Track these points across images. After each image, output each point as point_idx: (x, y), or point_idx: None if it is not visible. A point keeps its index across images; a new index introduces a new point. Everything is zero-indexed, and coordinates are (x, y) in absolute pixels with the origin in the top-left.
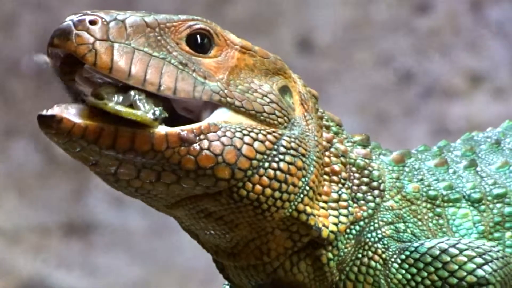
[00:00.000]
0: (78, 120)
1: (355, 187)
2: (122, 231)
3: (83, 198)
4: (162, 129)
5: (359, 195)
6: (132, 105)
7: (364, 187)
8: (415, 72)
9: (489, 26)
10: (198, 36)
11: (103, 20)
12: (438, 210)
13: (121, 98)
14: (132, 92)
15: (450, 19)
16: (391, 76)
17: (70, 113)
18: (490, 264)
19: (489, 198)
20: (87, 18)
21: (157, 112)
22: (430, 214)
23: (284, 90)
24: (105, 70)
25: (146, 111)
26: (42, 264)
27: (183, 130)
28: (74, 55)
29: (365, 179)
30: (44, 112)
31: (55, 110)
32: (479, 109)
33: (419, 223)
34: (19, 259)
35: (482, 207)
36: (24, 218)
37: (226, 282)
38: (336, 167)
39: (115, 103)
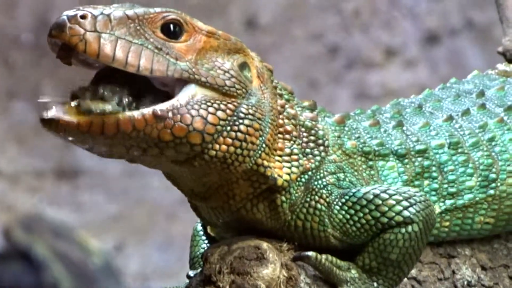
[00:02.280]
0: (72, 119)
1: (304, 144)
2: (102, 175)
3: (71, 149)
4: (140, 111)
5: (308, 150)
6: (102, 98)
7: (311, 144)
8: (340, 46)
9: (401, 9)
10: (171, 25)
11: (92, 15)
12: (370, 163)
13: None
14: (100, 88)
15: (370, 2)
16: (321, 49)
17: (65, 114)
18: (414, 206)
19: (412, 153)
20: (79, 13)
21: (125, 100)
22: (364, 166)
23: (243, 66)
24: (94, 55)
25: (112, 100)
26: (38, 202)
27: (156, 108)
28: (68, 44)
29: (312, 137)
30: (45, 116)
31: (53, 113)
32: (392, 77)
33: (356, 173)
34: (18, 198)
35: (406, 160)
36: (22, 164)
37: (199, 220)
38: (288, 128)
39: (90, 104)
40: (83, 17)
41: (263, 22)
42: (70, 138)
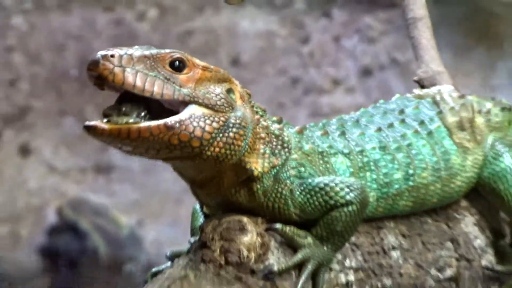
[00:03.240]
0: (105, 126)
1: (273, 147)
2: (128, 170)
3: (106, 152)
4: (155, 122)
5: (276, 151)
6: (125, 113)
7: (279, 147)
8: (300, 79)
9: (344, 51)
10: (176, 62)
11: (119, 54)
12: (326, 159)
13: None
14: (123, 106)
15: (321, 47)
16: (286, 81)
17: (101, 123)
18: (353, 192)
19: (354, 152)
20: (109, 53)
21: (142, 113)
22: (321, 162)
23: (229, 90)
24: (119, 84)
25: (132, 114)
26: (82, 190)
27: (167, 121)
28: (101, 76)
29: (280, 142)
30: (87, 124)
31: (92, 122)
32: (338, 100)
33: (314, 167)
34: (68, 187)
35: (351, 157)
36: (71, 163)
37: (198, 203)
38: (263, 135)
39: (116, 119)
40: (112, 56)
41: (244, 61)
42: (105, 141)
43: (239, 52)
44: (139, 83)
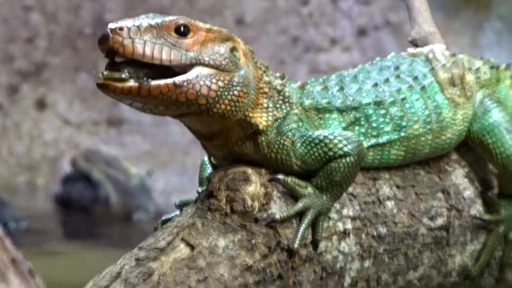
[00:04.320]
0: (118, 84)
1: (276, 101)
2: (139, 123)
3: (117, 106)
4: (165, 80)
5: (278, 105)
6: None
7: (280, 101)
8: (300, 38)
9: (341, 12)
10: (181, 28)
11: (126, 27)
12: (321, 115)
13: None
14: (125, 70)
15: (319, 8)
16: (286, 40)
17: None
18: (350, 144)
19: (349, 108)
20: (118, 26)
21: (141, 75)
22: (316, 118)
23: (233, 49)
24: (130, 55)
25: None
26: (94, 142)
27: (176, 80)
28: (112, 49)
29: (281, 97)
30: (100, 81)
31: (104, 80)
32: (335, 58)
33: (310, 122)
34: (81, 139)
35: (344, 113)
36: (84, 116)
37: (206, 155)
38: (266, 90)
39: (110, 74)
40: (121, 29)
41: (248, 21)
42: (117, 98)
43: (243, 13)
44: (148, 52)
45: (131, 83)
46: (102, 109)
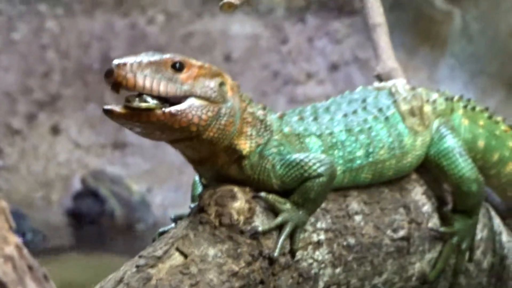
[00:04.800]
0: (121, 110)
1: (258, 129)
2: (140, 146)
3: (122, 131)
4: (161, 110)
5: (260, 132)
6: (145, 101)
7: (262, 129)
8: (280, 72)
9: (316, 50)
10: (177, 64)
11: (130, 63)
12: (301, 140)
13: (138, 99)
14: (144, 96)
15: (297, 47)
16: (268, 74)
17: (117, 108)
18: (324, 165)
19: (325, 134)
20: (121, 62)
21: (155, 102)
22: (297, 142)
23: (222, 84)
24: (132, 87)
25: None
26: (102, 163)
27: (171, 109)
28: (116, 82)
29: (263, 126)
30: (106, 107)
31: (110, 106)
32: (311, 91)
33: (292, 146)
34: (90, 160)
35: (322, 138)
36: (93, 140)
37: (197, 176)
38: (249, 119)
39: (136, 103)
40: (124, 64)
41: (234, 58)
42: (119, 122)
43: (230, 51)
44: (148, 85)
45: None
46: (108, 134)
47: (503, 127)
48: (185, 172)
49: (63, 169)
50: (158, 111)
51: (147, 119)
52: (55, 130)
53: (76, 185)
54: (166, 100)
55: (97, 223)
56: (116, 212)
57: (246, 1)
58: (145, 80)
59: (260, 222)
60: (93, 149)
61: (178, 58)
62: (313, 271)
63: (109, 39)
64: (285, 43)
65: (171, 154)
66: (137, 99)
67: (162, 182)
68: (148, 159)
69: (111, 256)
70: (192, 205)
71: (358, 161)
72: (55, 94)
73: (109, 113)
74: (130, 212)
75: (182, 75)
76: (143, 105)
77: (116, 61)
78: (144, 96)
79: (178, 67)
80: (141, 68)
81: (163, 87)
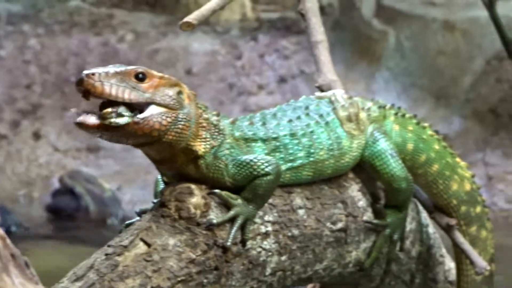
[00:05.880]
0: (90, 122)
1: (212, 133)
2: (111, 149)
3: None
4: (125, 119)
5: (214, 136)
6: (121, 115)
7: (216, 133)
8: (235, 84)
9: (267, 65)
10: (140, 74)
11: (98, 73)
12: (248, 143)
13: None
14: (119, 110)
15: (250, 62)
16: (224, 86)
17: (88, 119)
18: (271, 165)
19: (271, 139)
20: (90, 72)
21: (127, 113)
22: (245, 146)
23: (180, 92)
24: (99, 94)
25: (126, 116)
26: (78, 164)
27: (136, 117)
28: (86, 89)
29: (217, 130)
30: (78, 120)
31: (80, 118)
32: (261, 100)
33: (240, 149)
34: (67, 162)
35: (267, 143)
36: (70, 144)
37: (159, 175)
38: (204, 124)
39: (114, 120)
40: (93, 74)
41: (195, 72)
42: (89, 132)
43: (191, 65)
44: (113, 92)
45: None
46: (83, 139)
47: (429, 132)
48: (152, 172)
49: (44, 170)
50: (121, 120)
51: (113, 129)
52: (37, 136)
53: (55, 184)
54: (130, 106)
55: (73, 217)
56: (90, 208)
57: (203, 21)
58: (111, 88)
59: (215, 215)
60: (70, 152)
61: (140, 69)
62: (261, 259)
63: (84, 55)
64: (240, 59)
65: (139, 157)
66: (113, 114)
67: (131, 181)
68: (118, 161)
69: (85, 246)
70: (155, 201)
71: (299, 161)
72: (36, 103)
73: (79, 125)
74: (103, 208)
75: (144, 84)
76: (121, 121)
77: (86, 72)
78: (119, 110)
79: (141, 77)
80: (108, 78)
81: (127, 95)
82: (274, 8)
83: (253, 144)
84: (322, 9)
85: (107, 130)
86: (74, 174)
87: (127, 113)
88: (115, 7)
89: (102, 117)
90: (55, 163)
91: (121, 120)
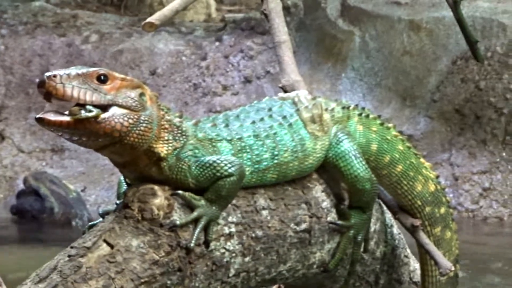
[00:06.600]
0: (51, 118)
1: (174, 134)
2: (76, 151)
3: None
4: (95, 112)
5: (176, 137)
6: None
7: (179, 135)
8: (199, 85)
9: (232, 65)
10: (101, 76)
11: (59, 74)
12: (214, 144)
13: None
14: (87, 107)
15: (214, 62)
16: (189, 87)
17: (48, 115)
18: (234, 166)
19: (235, 139)
20: (52, 74)
21: (92, 109)
22: (210, 146)
23: (142, 94)
24: (61, 96)
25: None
26: (42, 166)
27: (97, 116)
28: (47, 91)
29: (179, 131)
30: (38, 115)
31: (40, 114)
32: (226, 101)
33: (205, 150)
34: (32, 163)
35: (232, 143)
36: (34, 146)
37: (122, 176)
38: (167, 126)
39: (83, 113)
40: (55, 76)
41: (159, 72)
42: (50, 129)
43: (156, 66)
44: (75, 94)
45: (63, 118)
46: (47, 140)
47: (393, 132)
48: (116, 174)
49: (8, 171)
50: (84, 118)
51: (74, 126)
52: (1, 137)
53: (20, 185)
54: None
55: (38, 218)
56: (55, 209)
57: (166, 21)
58: (73, 90)
59: (178, 217)
60: (35, 153)
61: (102, 71)
62: (225, 260)
63: (48, 56)
64: (204, 59)
65: (104, 158)
66: (82, 110)
67: (95, 182)
68: (83, 162)
69: (51, 247)
70: (118, 202)
71: (265, 163)
72: (0, 105)
73: (40, 120)
74: (68, 209)
75: (106, 86)
76: (90, 114)
77: (47, 73)
78: (88, 107)
79: (102, 79)
80: (69, 80)
81: (89, 97)
82: (238, 9)
83: (219, 144)
84: (287, 9)
85: (67, 126)
86: (39, 175)
87: (95, 109)
88: (79, 8)
89: (71, 113)
90: (20, 164)
91: (90, 114)
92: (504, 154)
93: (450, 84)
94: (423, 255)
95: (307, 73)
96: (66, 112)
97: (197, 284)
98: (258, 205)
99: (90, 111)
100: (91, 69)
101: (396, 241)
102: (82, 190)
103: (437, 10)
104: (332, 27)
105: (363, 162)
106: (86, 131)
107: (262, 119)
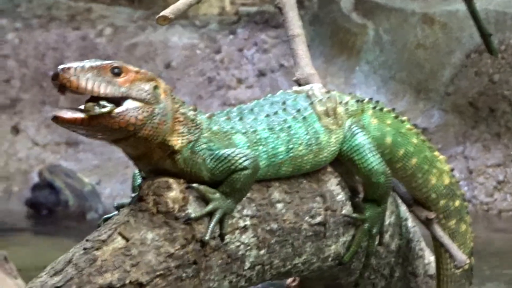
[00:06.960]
0: (65, 116)
1: (189, 127)
2: (90, 144)
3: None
4: (100, 111)
5: (191, 130)
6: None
7: (193, 128)
8: (214, 78)
9: (246, 59)
10: (115, 69)
11: (73, 67)
12: (229, 137)
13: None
14: (101, 102)
15: (229, 58)
16: (204, 80)
17: (63, 113)
18: (248, 160)
19: (249, 132)
20: (66, 66)
21: (109, 104)
22: (225, 139)
23: (156, 87)
24: (75, 88)
25: (106, 105)
26: (57, 159)
27: (111, 111)
28: (61, 84)
29: (194, 124)
30: (54, 113)
31: (55, 112)
32: (241, 94)
33: (220, 143)
34: (47, 156)
35: (247, 135)
36: (49, 139)
37: (137, 169)
38: (181, 119)
39: (98, 110)
40: (69, 68)
41: (174, 65)
42: (65, 126)
43: (170, 59)
44: (89, 86)
45: (78, 115)
46: (62, 133)
47: (408, 125)
48: (131, 167)
49: (23, 164)
50: (99, 114)
51: (88, 122)
52: (16, 130)
53: (34, 178)
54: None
55: (53, 211)
56: (69, 202)
57: (180, 15)
58: (87, 82)
59: (193, 210)
60: (49, 146)
61: (116, 64)
62: (240, 253)
63: (62, 50)
64: (218, 53)
65: (118, 151)
66: (96, 107)
67: (110, 175)
68: (97, 155)
69: (65, 240)
70: (133, 195)
71: (280, 156)
72: (15, 98)
73: (55, 118)
74: (82, 202)
75: (120, 79)
76: (104, 110)
77: (61, 66)
78: (101, 102)
79: (116, 72)
80: (83, 72)
81: (103, 89)
82: (252, 2)
83: (234, 137)
84: (301, 3)
85: (81, 123)
86: (54, 168)
87: (108, 104)
88: (93, 1)
89: (86, 110)
90: (34, 158)
91: (105, 109)
92: None
93: (464, 77)
94: (438, 248)
95: (321, 67)
96: (81, 107)
97: (212, 277)
98: (273, 198)
99: (104, 106)
100: (105, 62)
101: (411, 234)
102: (97, 183)
103: (450, 4)
104: (346, 20)
105: (378, 156)
106: (101, 126)
107: (276, 113)
